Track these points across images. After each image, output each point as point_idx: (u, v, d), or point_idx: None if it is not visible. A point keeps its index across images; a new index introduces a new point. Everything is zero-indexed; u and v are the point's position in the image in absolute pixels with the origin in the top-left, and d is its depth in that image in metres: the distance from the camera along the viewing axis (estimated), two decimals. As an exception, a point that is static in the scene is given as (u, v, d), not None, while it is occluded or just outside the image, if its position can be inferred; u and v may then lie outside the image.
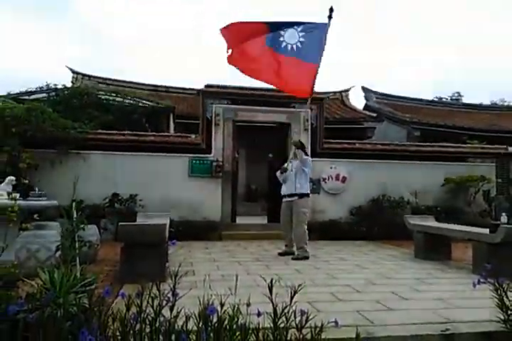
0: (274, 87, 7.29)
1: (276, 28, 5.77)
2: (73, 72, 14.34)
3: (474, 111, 17.51)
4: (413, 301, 3.57)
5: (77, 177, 2.91)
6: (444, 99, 28.44)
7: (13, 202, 3.24)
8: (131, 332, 2.13)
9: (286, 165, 6.30)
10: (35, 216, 4.35)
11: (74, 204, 2.79)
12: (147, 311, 2.22)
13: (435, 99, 26.70)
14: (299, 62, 5.82)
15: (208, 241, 7.81)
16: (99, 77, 14.60)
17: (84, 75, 14.38)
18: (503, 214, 4.86)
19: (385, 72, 48.77)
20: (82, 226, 2.70)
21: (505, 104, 28.17)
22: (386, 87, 45.34)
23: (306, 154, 6.51)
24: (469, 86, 44.89)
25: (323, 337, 2.27)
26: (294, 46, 5.85)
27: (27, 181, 5.32)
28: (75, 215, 2.78)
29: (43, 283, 2.44)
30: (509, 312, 2.81)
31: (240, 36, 5.79)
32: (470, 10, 50.35)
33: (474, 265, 4.98)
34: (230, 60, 5.85)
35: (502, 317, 2.81)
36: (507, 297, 2.83)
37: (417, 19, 52.64)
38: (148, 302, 2.21)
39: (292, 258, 5.89)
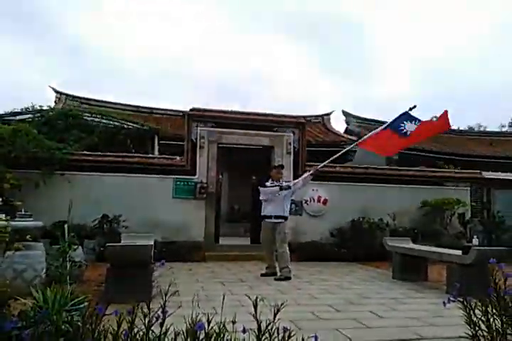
0: (258, 111, 7.62)
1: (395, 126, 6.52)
2: (56, 92, 14.40)
3: (453, 136, 18.17)
4: (389, 319, 3.74)
5: (71, 201, 3.02)
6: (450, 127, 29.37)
7: (3, 222, 3.32)
8: (123, 347, 2.24)
9: (288, 184, 6.49)
10: (28, 236, 4.40)
11: (66, 225, 2.90)
12: (137, 328, 2.34)
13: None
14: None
15: (192, 262, 7.87)
16: (82, 98, 14.69)
17: (67, 95, 14.46)
18: (475, 236, 5.12)
19: (365, 95, 50.19)
20: (74, 247, 2.80)
21: (482, 128, 29.32)
22: (368, 109, 46.45)
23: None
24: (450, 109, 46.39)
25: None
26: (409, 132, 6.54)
27: (19, 203, 5.37)
28: (66, 236, 2.88)
29: (36, 301, 2.54)
30: (476, 328, 3.00)
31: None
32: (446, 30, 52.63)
33: (448, 285, 5.20)
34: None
35: (470, 333, 3.00)
36: (474, 314, 3.03)
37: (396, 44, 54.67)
38: (140, 319, 2.33)
39: (275, 279, 6.01)
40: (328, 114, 16.44)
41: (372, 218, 9.29)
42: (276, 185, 6.41)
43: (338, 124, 17.54)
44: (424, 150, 14.16)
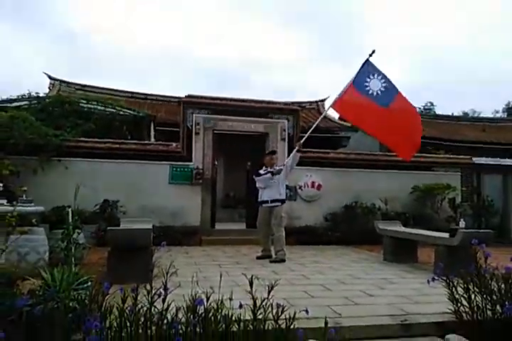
0: (253, 98, 7.64)
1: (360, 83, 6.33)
2: (50, 78, 14.34)
3: (446, 122, 18.33)
4: (378, 297, 3.95)
5: (78, 185, 3.15)
6: (417, 109, 29.60)
7: (8, 208, 3.46)
8: (128, 321, 2.41)
9: (280, 167, 6.57)
10: (34, 220, 4.55)
11: (70, 209, 3.04)
12: (141, 304, 2.51)
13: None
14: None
15: (188, 246, 8.06)
16: (77, 84, 14.64)
17: (61, 81, 14.42)
18: (461, 219, 5.32)
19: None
20: (78, 230, 2.95)
21: (475, 114, 29.53)
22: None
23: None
24: (442, 93, 46.56)
25: (296, 326, 2.60)
26: (375, 92, 6.35)
27: (24, 188, 5.50)
28: (70, 220, 3.03)
29: (45, 281, 2.70)
30: (458, 304, 3.21)
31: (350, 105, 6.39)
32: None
33: (436, 266, 5.40)
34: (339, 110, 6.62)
35: (452, 309, 3.21)
36: (457, 291, 3.23)
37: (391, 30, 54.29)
38: (144, 295, 2.50)
39: (270, 261, 6.21)
40: (322, 100, 16.50)
41: (365, 203, 9.49)
42: (268, 172, 6.54)
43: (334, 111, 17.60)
44: (418, 136, 14.31)
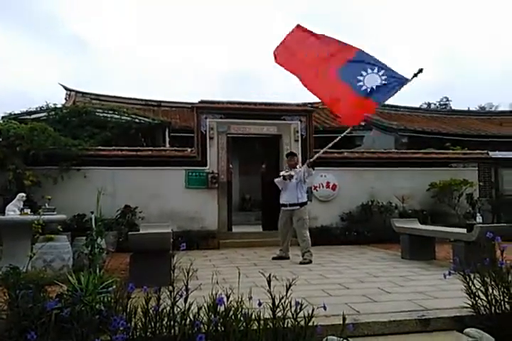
0: (265, 101, 7.74)
1: (361, 59, 5.88)
2: (66, 89, 14.73)
3: (461, 116, 18.14)
4: (396, 294, 3.99)
5: (99, 191, 3.27)
6: (432, 105, 29.34)
7: (34, 216, 3.61)
8: (152, 321, 2.52)
9: (290, 173, 6.62)
10: (59, 227, 4.72)
11: (94, 216, 3.17)
12: (164, 304, 2.61)
13: (424, 106, 27.58)
14: (364, 98, 5.91)
15: (207, 250, 8.18)
16: (92, 94, 15.00)
17: (77, 92, 14.79)
18: (478, 214, 5.30)
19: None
20: (103, 234, 3.08)
21: (493, 108, 29.11)
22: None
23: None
24: (458, 88, 46.03)
25: (315, 324, 2.67)
26: (369, 89, 5.89)
27: (49, 197, 5.69)
28: (94, 225, 3.16)
29: (72, 285, 2.83)
30: (476, 298, 3.23)
31: (305, 42, 5.93)
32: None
33: (454, 262, 5.39)
34: (279, 58, 6.06)
35: (470, 303, 3.23)
36: (474, 285, 3.26)
37: (404, 23, 53.89)
38: (166, 295, 2.60)
39: (300, 263, 6.25)
40: (335, 100, 16.46)
41: (381, 201, 9.48)
42: (282, 175, 6.68)
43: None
44: (433, 132, 14.23)
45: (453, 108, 24.68)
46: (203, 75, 50.75)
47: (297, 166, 6.87)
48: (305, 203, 6.67)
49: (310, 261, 6.28)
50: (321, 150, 6.76)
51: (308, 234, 6.53)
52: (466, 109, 21.61)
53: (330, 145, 6.60)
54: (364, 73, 5.92)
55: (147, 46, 49.08)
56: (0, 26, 44.15)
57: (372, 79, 5.86)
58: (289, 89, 47.33)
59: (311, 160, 6.74)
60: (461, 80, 49.37)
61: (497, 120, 18.00)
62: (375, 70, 5.91)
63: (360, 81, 5.90)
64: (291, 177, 6.54)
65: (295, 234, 6.70)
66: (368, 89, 5.85)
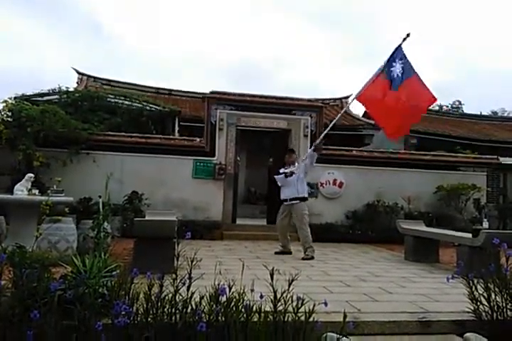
0: (276, 95, 7.77)
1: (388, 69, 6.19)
2: (78, 73, 14.69)
3: (473, 120, 17.96)
4: (397, 295, 3.98)
5: (108, 175, 3.28)
6: (444, 107, 29.09)
7: (42, 197, 3.63)
8: (154, 307, 2.53)
9: (290, 169, 6.62)
10: (66, 209, 4.75)
11: (101, 200, 3.18)
12: (167, 291, 2.62)
13: (436, 107, 27.35)
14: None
15: (210, 240, 8.20)
16: (104, 79, 14.97)
17: (89, 76, 14.75)
18: (485, 220, 5.27)
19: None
20: (109, 219, 3.08)
21: (505, 114, 28.80)
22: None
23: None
24: (469, 90, 45.54)
25: (315, 320, 2.67)
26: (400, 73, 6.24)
27: (59, 178, 5.72)
28: (101, 209, 3.17)
29: (77, 267, 2.84)
30: (478, 303, 3.21)
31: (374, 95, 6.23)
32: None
33: (458, 266, 5.37)
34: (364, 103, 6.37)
35: (472, 308, 3.22)
36: (476, 290, 3.24)
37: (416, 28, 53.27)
38: (169, 282, 2.61)
39: (302, 258, 6.24)
40: (346, 97, 16.38)
41: (387, 202, 9.44)
42: (283, 173, 6.67)
43: (358, 108, 17.45)
44: (444, 134, 14.11)
45: (465, 112, 24.46)
46: (213, 67, 50.57)
47: (296, 163, 6.83)
48: (305, 198, 6.65)
49: (312, 257, 6.28)
50: (325, 130, 6.62)
51: (308, 229, 6.53)
52: (479, 113, 21.39)
53: (331, 124, 6.61)
54: (393, 69, 6.19)
55: (161, 34, 48.94)
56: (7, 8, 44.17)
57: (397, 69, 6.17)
58: (299, 85, 47.14)
59: (317, 142, 6.66)
60: (474, 83, 48.85)
61: (509, 126, 17.80)
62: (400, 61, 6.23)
63: (394, 67, 6.18)
64: (292, 174, 6.54)
65: (295, 229, 6.70)
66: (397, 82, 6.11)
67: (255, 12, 56.51)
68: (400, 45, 6.26)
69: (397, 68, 6.15)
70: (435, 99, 6.44)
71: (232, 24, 52.90)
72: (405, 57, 6.23)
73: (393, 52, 6.24)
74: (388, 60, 6.20)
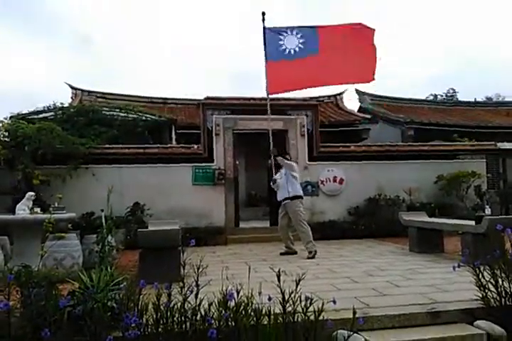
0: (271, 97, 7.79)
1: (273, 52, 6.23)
2: (72, 88, 14.74)
3: (467, 108, 17.99)
4: (405, 288, 3.99)
5: (110, 188, 3.29)
6: (439, 96, 29.10)
7: (45, 215, 3.65)
8: (163, 317, 2.54)
9: (275, 176, 7.00)
10: (69, 226, 4.77)
11: (104, 214, 3.20)
12: (175, 300, 2.64)
13: (431, 97, 27.37)
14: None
15: (215, 246, 8.21)
16: (98, 92, 15.02)
17: (83, 91, 14.81)
18: (487, 206, 5.28)
19: (380, 71, 49.20)
20: (114, 232, 3.10)
21: (500, 98, 28.78)
22: (382, 86, 45.66)
23: (288, 159, 7.09)
24: (464, 79, 45.56)
25: (325, 318, 2.68)
26: (292, 50, 6.29)
27: (60, 195, 5.74)
28: (104, 223, 3.18)
29: (83, 283, 2.86)
30: (486, 290, 3.23)
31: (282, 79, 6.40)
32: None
33: (463, 255, 5.38)
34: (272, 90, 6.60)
35: (480, 295, 3.23)
36: (483, 277, 3.25)
37: (407, 17, 53.36)
38: (177, 291, 2.63)
39: (307, 257, 6.31)
40: (340, 94, 16.42)
41: (388, 195, 9.45)
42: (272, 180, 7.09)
43: (352, 104, 17.44)
44: (439, 124, 14.13)
45: (459, 99, 24.45)
46: (209, 73, 50.63)
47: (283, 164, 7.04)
48: (297, 197, 6.80)
49: (315, 252, 6.35)
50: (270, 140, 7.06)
51: (305, 225, 6.67)
52: (473, 100, 21.38)
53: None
54: (281, 42, 6.25)
55: (152, 43, 48.99)
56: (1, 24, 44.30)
57: (290, 41, 6.21)
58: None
59: (270, 149, 7.19)
60: (468, 71, 48.85)
61: (504, 111, 17.82)
62: (287, 32, 6.27)
63: (282, 46, 6.22)
64: (275, 181, 6.95)
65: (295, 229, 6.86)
66: (292, 51, 6.18)
67: (255, 11, 56.65)
68: (264, 28, 6.24)
69: (292, 41, 6.11)
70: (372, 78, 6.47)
71: (231, 24, 52.99)
72: (293, 27, 6.14)
73: (264, 37, 6.26)
74: (264, 44, 6.23)
